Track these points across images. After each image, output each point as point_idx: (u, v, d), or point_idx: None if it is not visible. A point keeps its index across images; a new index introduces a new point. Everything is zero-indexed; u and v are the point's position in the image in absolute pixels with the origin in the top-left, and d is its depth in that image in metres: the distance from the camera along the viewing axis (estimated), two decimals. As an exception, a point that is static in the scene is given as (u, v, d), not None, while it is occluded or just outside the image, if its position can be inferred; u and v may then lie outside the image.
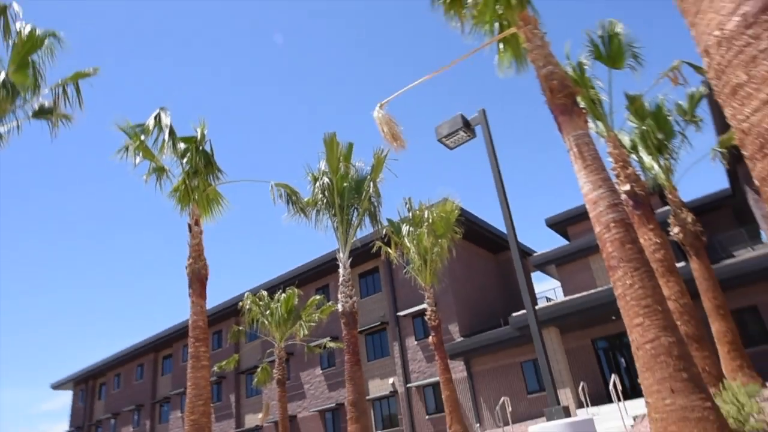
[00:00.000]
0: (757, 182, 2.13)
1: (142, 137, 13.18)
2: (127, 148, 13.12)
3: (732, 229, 24.58)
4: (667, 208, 19.02)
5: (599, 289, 21.05)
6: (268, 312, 24.19)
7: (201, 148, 13.74)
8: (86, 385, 51.97)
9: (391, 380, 28.68)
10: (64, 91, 11.55)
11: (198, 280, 12.76)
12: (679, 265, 15.86)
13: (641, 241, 12.04)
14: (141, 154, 13.24)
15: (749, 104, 2.05)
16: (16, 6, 10.27)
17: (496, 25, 9.43)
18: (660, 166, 15.28)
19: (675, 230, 15.00)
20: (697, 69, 12.33)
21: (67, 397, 56.15)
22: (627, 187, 12.59)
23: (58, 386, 53.77)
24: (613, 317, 20.40)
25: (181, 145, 13.55)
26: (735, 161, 18.44)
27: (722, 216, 25.42)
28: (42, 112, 11.60)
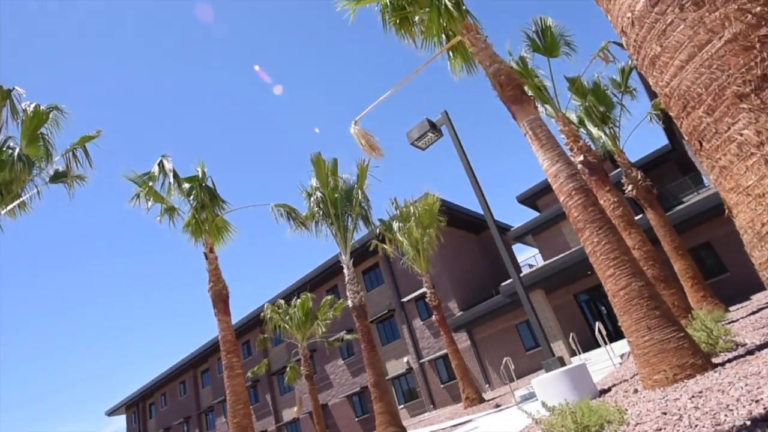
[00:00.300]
0: (686, 137, 2.15)
1: (150, 184, 13.19)
2: (138, 196, 13.18)
3: (677, 179, 24.79)
4: (618, 170, 19.16)
5: (573, 249, 21.14)
6: (287, 317, 24.12)
7: (204, 184, 13.72)
8: (137, 407, 51.62)
9: (405, 359, 28.68)
10: (74, 155, 11.47)
11: (221, 300, 12.74)
12: (637, 218, 15.99)
13: (601, 202, 12.14)
14: (152, 198, 13.26)
15: (667, 71, 2.07)
16: (19, 89, 10.22)
17: (443, 36, 9.43)
18: (606, 134, 15.38)
19: (628, 188, 15.09)
20: (623, 46, 12.38)
21: (121, 421, 55.57)
22: (581, 157, 12.65)
23: (112, 412, 53.35)
24: (589, 272, 20.51)
25: (186, 185, 13.54)
26: (669, 120, 18.57)
27: (667, 169, 25.60)
28: (57, 177, 11.52)
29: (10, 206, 10.71)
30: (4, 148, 10.17)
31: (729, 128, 1.87)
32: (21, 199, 10.97)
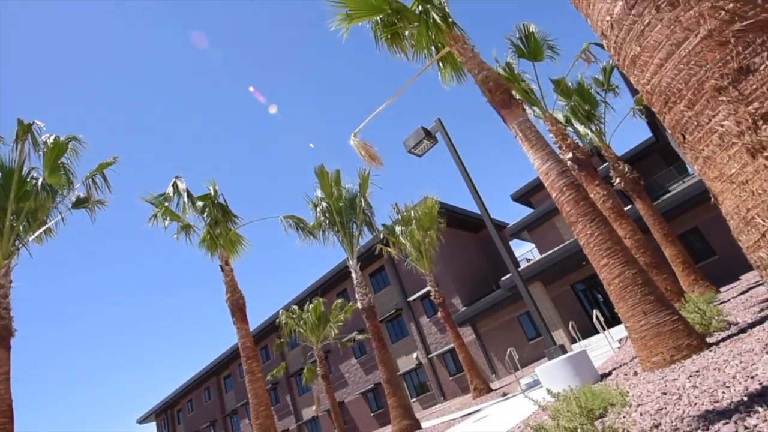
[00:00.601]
0: (669, 131, 2.14)
1: (166, 204, 13.26)
2: (155, 216, 13.24)
3: (662, 169, 24.73)
4: (606, 164, 19.11)
5: (567, 242, 21.08)
6: (301, 322, 24.10)
7: (216, 201, 13.78)
8: (165, 414, 51.60)
9: (415, 355, 28.59)
10: (94, 181, 11.54)
11: (238, 309, 12.74)
12: (626, 208, 15.97)
13: (591, 196, 12.10)
14: (168, 218, 13.32)
15: (648, 70, 2.05)
16: (39, 122, 10.30)
17: (433, 48, 9.43)
18: (592, 131, 15.33)
19: (617, 181, 15.04)
20: (603, 47, 12.34)
21: (151, 428, 55.53)
22: (570, 154, 12.61)
23: (142, 420, 53.31)
24: (584, 263, 20.46)
25: (199, 204, 13.60)
26: (652, 114, 18.55)
27: (652, 160, 25.53)
28: (79, 203, 11.60)
29: (37, 233, 10.79)
30: (29, 179, 10.25)
31: (710, 120, 1.86)
32: (46, 226, 11.04)
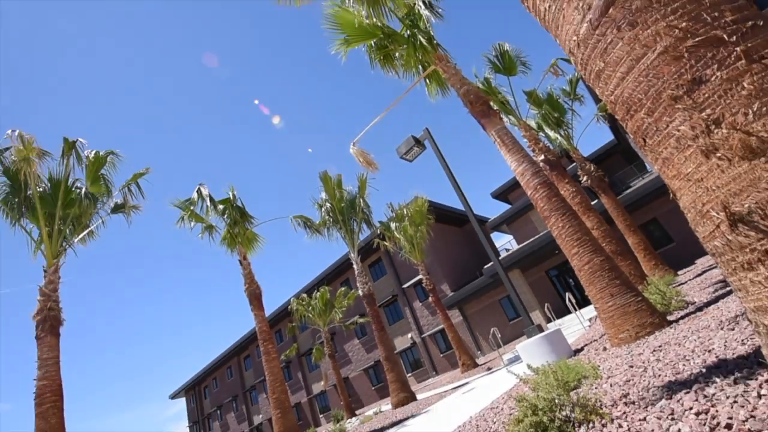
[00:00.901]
0: (631, 135, 2.12)
1: (192, 208, 13.28)
2: (182, 218, 13.28)
3: (624, 167, 24.72)
4: (574, 164, 19.11)
5: (541, 234, 21.08)
6: (310, 308, 24.05)
7: (234, 204, 13.77)
8: (194, 390, 51.54)
9: (409, 335, 28.59)
10: (129, 190, 11.57)
11: (255, 298, 12.73)
12: (593, 203, 15.97)
13: (562, 192, 12.09)
14: (193, 220, 13.33)
15: (611, 83, 2.03)
16: (81, 140, 10.41)
17: (420, 67, 9.40)
18: (561, 136, 15.32)
19: (584, 179, 15.04)
20: (570, 62, 12.34)
21: (182, 403, 55.53)
22: (542, 157, 12.59)
23: (174, 396, 53.25)
24: (557, 251, 20.46)
25: (220, 207, 13.61)
26: (614, 120, 18.54)
27: (615, 160, 25.52)
28: (117, 208, 11.63)
29: (81, 235, 10.79)
30: (73, 189, 10.38)
31: (668, 126, 1.84)
32: (89, 229, 11.05)
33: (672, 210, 18.50)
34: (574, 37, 2.12)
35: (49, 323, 8.36)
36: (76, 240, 10.61)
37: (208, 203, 13.26)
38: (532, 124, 15.42)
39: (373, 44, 9.22)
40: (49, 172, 10.03)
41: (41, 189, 9.84)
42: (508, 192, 29.45)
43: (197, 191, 13.31)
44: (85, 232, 10.95)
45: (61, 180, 9.99)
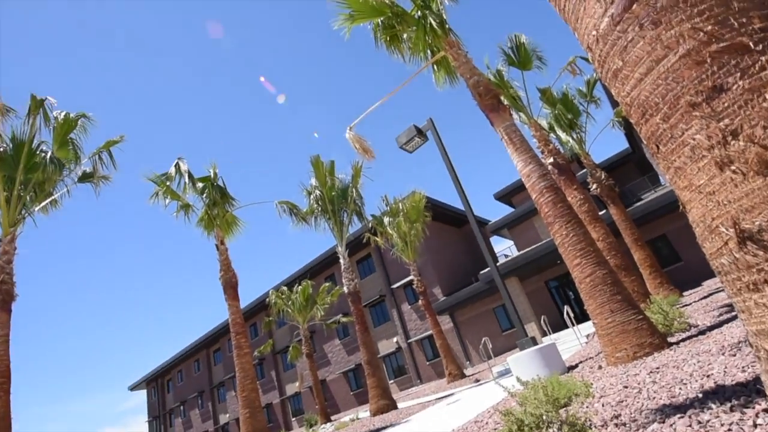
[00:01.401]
0: (645, 141, 2.16)
1: (168, 183, 13.16)
2: (157, 194, 13.16)
3: (637, 178, 24.94)
4: (584, 170, 19.23)
5: (543, 241, 21.24)
6: (290, 302, 24.10)
7: (215, 184, 13.71)
8: (156, 383, 51.45)
9: (395, 339, 28.74)
10: (100, 158, 11.47)
11: (230, 286, 12.71)
12: (601, 213, 16.09)
13: (569, 199, 12.17)
14: (169, 197, 13.24)
15: (628, 83, 2.06)
16: (51, 99, 10.19)
17: (429, 51, 9.40)
18: (573, 139, 15.43)
19: (593, 186, 15.16)
20: (588, 61, 12.42)
21: (142, 395, 55.37)
22: (551, 159, 12.68)
23: (134, 387, 53.12)
24: (558, 261, 20.62)
25: (200, 185, 13.54)
26: (630, 126, 18.68)
27: (628, 170, 25.74)
28: (85, 177, 11.51)
29: (43, 203, 10.68)
30: (38, 152, 10.18)
31: (683, 133, 1.87)
32: (53, 197, 10.94)
33: (682, 227, 18.72)
34: (594, 32, 2.15)
35: (1, 297, 8.29)
36: (36, 208, 10.50)
37: (186, 180, 13.16)
38: (544, 123, 15.50)
39: (380, 22, 9.21)
40: (12, 131, 9.80)
41: (1, 149, 9.65)
42: (512, 194, 29.60)
43: (175, 165, 13.21)
44: (48, 201, 10.84)
45: (24, 141, 9.76)
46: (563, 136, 15.59)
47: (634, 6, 1.92)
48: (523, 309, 21.59)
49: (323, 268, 32.81)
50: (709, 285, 14.17)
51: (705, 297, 10.68)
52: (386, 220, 20.10)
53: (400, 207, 19.81)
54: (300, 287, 24.26)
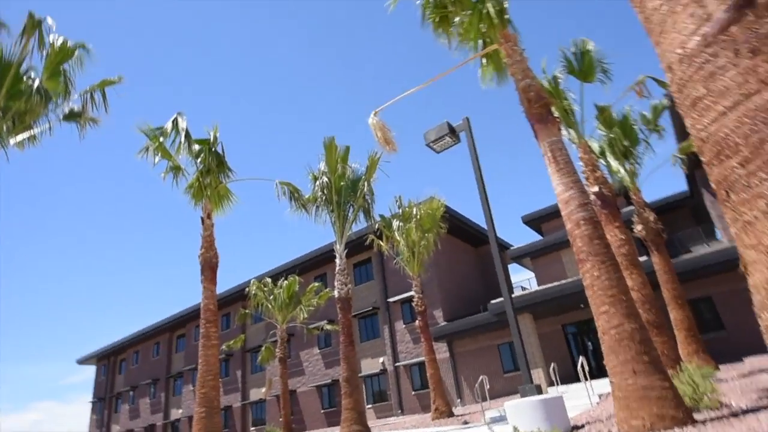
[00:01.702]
0: (713, 185, 2.13)
1: (161, 139, 13.23)
2: (147, 149, 13.23)
3: (690, 227, 24.71)
4: (631, 207, 19.10)
5: (569, 279, 21.12)
6: (271, 297, 24.18)
7: (213, 149, 13.76)
8: (108, 360, 51.82)
9: (381, 359, 28.72)
10: (92, 97, 11.61)
11: (209, 267, 12.77)
12: (641, 259, 15.93)
13: (608, 237, 12.07)
14: (160, 154, 13.32)
15: (707, 115, 2.04)
16: (50, 20, 10.26)
17: (480, 41, 9.40)
18: (625, 170, 15.33)
19: (638, 228, 15.06)
20: (661, 83, 12.36)
21: (90, 371, 55.77)
22: (596, 188, 12.61)
23: (82, 361, 53.54)
24: (582, 305, 20.48)
25: (196, 147, 13.58)
26: (693, 166, 18.53)
27: (681, 215, 25.53)
28: (72, 116, 11.64)
29: (21, 137, 10.79)
30: (25, 78, 10.23)
31: (761, 183, 1.84)
32: (32, 132, 11.04)
33: (733, 291, 18.51)
34: (679, 50, 2.13)
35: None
36: (12, 141, 10.62)
37: (183, 139, 13.19)
38: (595, 146, 15.42)
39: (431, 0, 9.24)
40: (0, 49, 9.79)
41: (-16, 66, 9.66)
42: (542, 220, 29.45)
43: (173, 121, 13.26)
44: (27, 135, 10.95)
45: (12, 63, 9.79)
46: (614, 164, 15.50)
47: (733, 27, 1.90)
48: (532, 351, 21.47)
49: (315, 265, 32.89)
50: (752, 362, 13.99)
51: (745, 376, 10.55)
52: (396, 223, 20.10)
53: (414, 212, 19.79)
54: (286, 282, 24.33)
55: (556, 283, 21.40)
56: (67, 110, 11.51)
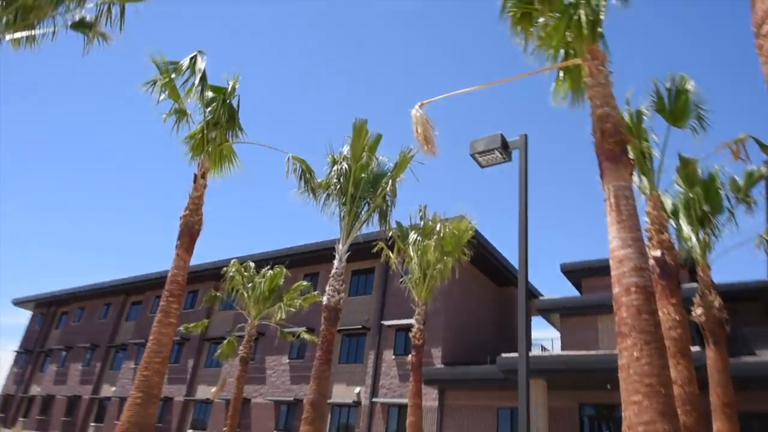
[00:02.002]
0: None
1: (173, 75, 13.36)
2: (155, 83, 13.34)
3: (762, 325, 24.25)
4: (694, 285, 18.77)
5: (601, 352, 20.89)
6: (250, 285, 24.28)
7: (228, 101, 13.86)
8: (47, 309, 52.49)
9: (357, 389, 28.66)
10: (109, 9, 11.74)
11: (189, 233, 12.82)
12: (693, 349, 15.65)
13: (660, 313, 11.87)
14: (167, 92, 13.41)
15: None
16: None
17: (561, 51, 9.34)
18: (698, 239, 15.09)
19: (698, 311, 14.83)
20: (763, 147, 12.15)
21: (25, 317, 56.48)
22: (658, 253, 12.42)
23: (19, 303, 54.32)
24: (609, 386, 20.23)
25: (209, 94, 13.67)
26: (781, 253, 18.19)
27: (753, 309, 25.07)
28: (81, 25, 11.83)
29: (20, 34, 10.98)
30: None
31: None
32: (33, 32, 11.25)
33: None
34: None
35: None
36: (8, 37, 10.81)
37: (197, 81, 13.30)
38: (667, 203, 15.21)
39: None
40: None
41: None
42: (584, 274, 29.16)
43: (191, 59, 13.36)
44: (27, 33, 11.14)
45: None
46: (686, 229, 15.26)
47: None
48: (538, 426, 21.26)
49: (308, 261, 33.03)
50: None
51: None
52: (413, 236, 20.02)
53: (438, 228, 19.67)
54: (270, 272, 24.42)
55: (584, 352, 21.20)
56: (77, 18, 11.71)
